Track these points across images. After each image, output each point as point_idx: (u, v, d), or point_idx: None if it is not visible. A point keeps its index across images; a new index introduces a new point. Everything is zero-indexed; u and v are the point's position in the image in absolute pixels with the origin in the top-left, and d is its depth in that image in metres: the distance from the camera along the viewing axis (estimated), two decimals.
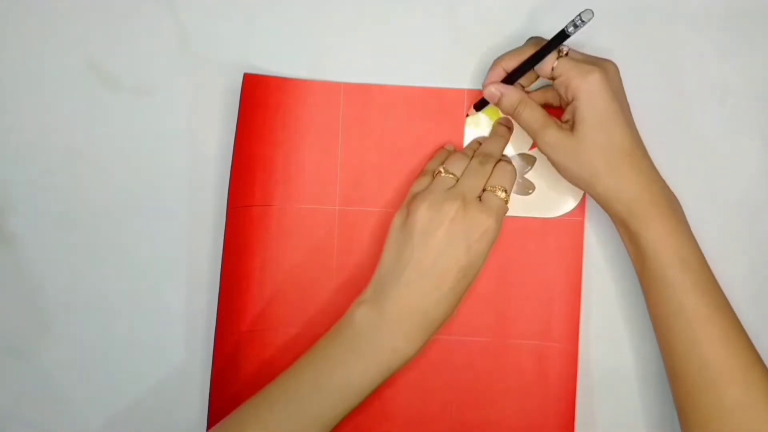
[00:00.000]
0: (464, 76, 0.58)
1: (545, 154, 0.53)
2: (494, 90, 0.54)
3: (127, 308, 0.59)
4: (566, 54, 0.52)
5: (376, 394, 0.54)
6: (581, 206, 0.57)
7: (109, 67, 0.59)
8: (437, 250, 0.51)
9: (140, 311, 0.59)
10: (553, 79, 0.53)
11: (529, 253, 0.57)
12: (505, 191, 0.53)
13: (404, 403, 0.58)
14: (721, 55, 0.57)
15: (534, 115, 0.53)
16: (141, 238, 0.59)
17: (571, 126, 0.52)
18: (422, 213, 0.51)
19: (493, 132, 0.57)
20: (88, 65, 0.59)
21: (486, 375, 0.57)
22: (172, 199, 0.59)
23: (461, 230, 0.51)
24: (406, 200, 0.54)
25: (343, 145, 0.58)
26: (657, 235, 0.50)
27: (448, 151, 0.57)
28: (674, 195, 0.53)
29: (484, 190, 0.53)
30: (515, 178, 0.55)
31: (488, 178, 0.54)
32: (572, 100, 0.51)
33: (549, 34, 0.52)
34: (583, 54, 0.53)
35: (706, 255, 0.52)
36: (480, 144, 0.57)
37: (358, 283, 0.56)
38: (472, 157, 0.55)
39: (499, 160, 0.55)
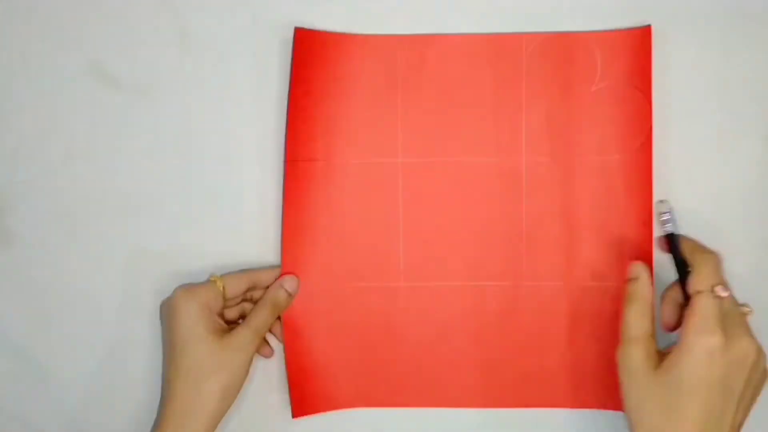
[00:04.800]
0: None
1: (620, 375, 0.50)
2: (640, 268, 0.52)
3: (128, 309, 0.59)
4: (717, 294, 0.48)
5: (441, 341, 0.57)
6: (648, 140, 0.56)
7: (109, 66, 0.59)
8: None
9: (141, 312, 0.59)
10: (688, 298, 0.49)
11: (596, 192, 0.57)
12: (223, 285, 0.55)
13: (470, 353, 0.58)
14: (722, 55, 0.58)
15: (639, 321, 0.50)
16: (143, 239, 0.59)
17: (660, 363, 0.48)
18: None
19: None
20: (89, 64, 0.59)
21: (560, 319, 0.57)
22: (171, 200, 0.59)
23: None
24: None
25: (402, 97, 0.57)
26: None
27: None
28: None
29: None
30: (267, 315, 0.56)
31: None
32: (683, 339, 0.48)
33: None
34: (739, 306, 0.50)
35: None
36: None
37: (425, 234, 0.57)
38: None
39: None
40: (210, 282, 0.55)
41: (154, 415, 0.53)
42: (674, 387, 0.47)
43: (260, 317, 0.54)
